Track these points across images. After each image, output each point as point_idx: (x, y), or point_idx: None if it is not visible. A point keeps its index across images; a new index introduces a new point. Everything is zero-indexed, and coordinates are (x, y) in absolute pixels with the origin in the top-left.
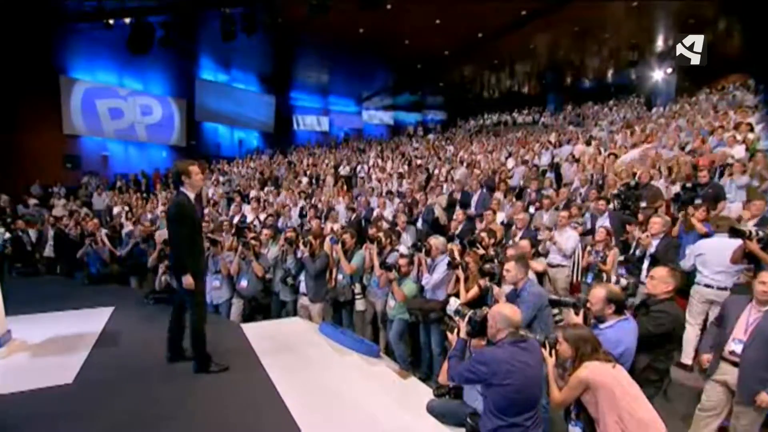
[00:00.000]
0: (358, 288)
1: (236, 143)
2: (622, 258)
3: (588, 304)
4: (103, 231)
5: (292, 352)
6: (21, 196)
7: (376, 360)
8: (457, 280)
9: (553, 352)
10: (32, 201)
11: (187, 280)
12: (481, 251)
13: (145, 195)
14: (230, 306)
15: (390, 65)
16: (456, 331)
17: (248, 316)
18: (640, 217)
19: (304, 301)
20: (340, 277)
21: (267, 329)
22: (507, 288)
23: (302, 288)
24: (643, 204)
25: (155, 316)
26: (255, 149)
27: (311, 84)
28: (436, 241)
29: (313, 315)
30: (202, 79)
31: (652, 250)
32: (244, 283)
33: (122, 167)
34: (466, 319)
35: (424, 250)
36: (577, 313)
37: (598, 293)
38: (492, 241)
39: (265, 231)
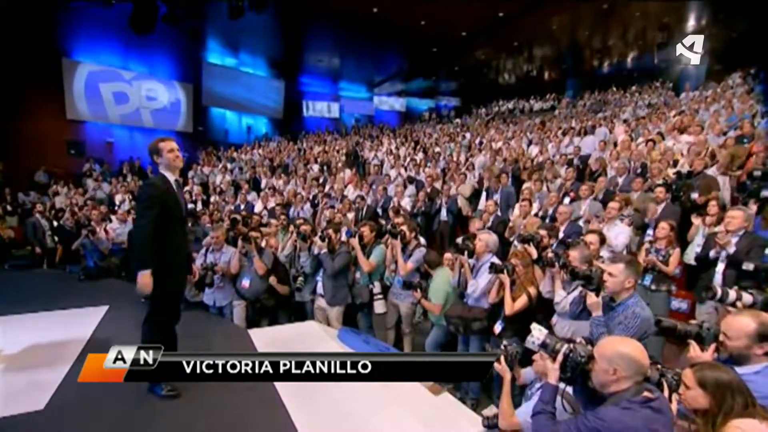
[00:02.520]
0: (377, 287)
1: (244, 129)
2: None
3: (721, 337)
4: (115, 222)
5: None
6: (24, 183)
7: None
8: (501, 285)
9: (674, 398)
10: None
11: (143, 279)
12: (534, 252)
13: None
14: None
15: (404, 48)
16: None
17: (254, 321)
18: (712, 208)
19: (321, 302)
20: (357, 274)
21: (278, 335)
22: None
23: (319, 288)
24: (695, 195)
25: None
26: (264, 135)
27: (322, 68)
28: (487, 236)
29: (331, 319)
30: (209, 62)
31: (731, 249)
32: (245, 282)
33: (128, 154)
34: (561, 357)
35: (467, 251)
36: (703, 348)
37: (744, 325)
38: (552, 240)
39: (273, 222)
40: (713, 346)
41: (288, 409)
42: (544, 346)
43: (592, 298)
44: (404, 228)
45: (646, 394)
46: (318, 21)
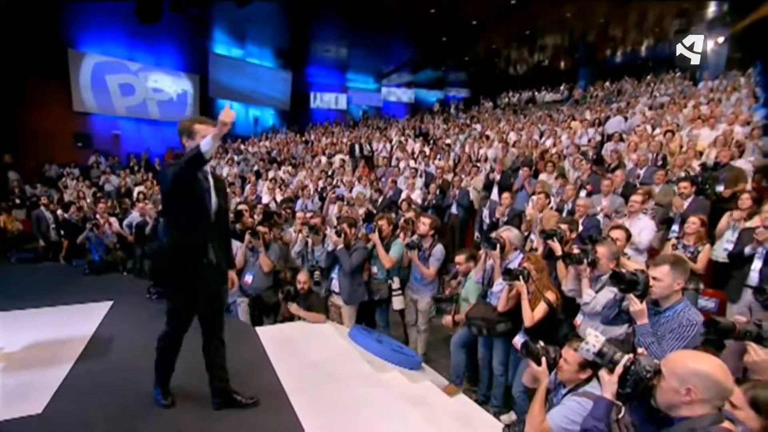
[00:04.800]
0: (396, 283)
1: (251, 121)
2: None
3: None
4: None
5: (315, 365)
6: (31, 176)
7: (417, 374)
8: (512, 292)
9: None
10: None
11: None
12: (558, 248)
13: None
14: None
15: (413, 38)
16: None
17: (258, 319)
18: (745, 202)
19: (335, 299)
20: (374, 269)
21: (287, 333)
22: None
23: (334, 285)
24: (720, 187)
25: (158, 315)
26: (271, 127)
27: (329, 59)
28: (510, 233)
29: (344, 316)
30: (215, 53)
31: None
32: (248, 278)
33: (134, 146)
34: (619, 369)
35: (498, 246)
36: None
37: None
38: (573, 234)
39: (306, 214)
40: None
41: (297, 412)
42: (600, 355)
43: (636, 306)
44: (425, 228)
45: (727, 425)
46: (325, 10)
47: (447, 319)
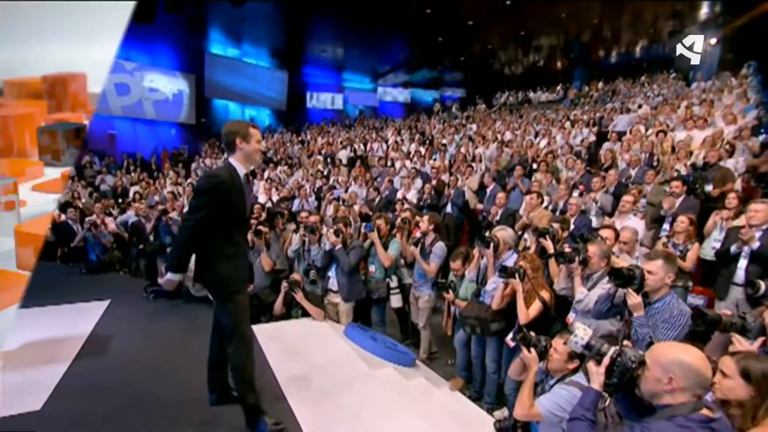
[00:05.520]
0: (394, 281)
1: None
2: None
3: None
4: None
5: (312, 362)
6: None
7: (411, 371)
8: (507, 290)
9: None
10: None
11: (169, 278)
12: (550, 246)
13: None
14: None
15: (409, 38)
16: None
17: (255, 317)
18: (732, 201)
19: (332, 298)
20: (372, 268)
21: (283, 331)
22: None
23: (332, 284)
24: (709, 187)
25: (155, 315)
26: (267, 127)
27: (325, 59)
28: (504, 233)
29: (342, 314)
30: (211, 53)
31: (755, 245)
32: None
33: (130, 146)
34: (606, 360)
35: (492, 245)
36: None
37: None
38: (566, 233)
39: (301, 214)
40: (761, 339)
41: (293, 409)
42: (588, 347)
43: (634, 299)
44: (424, 225)
45: (705, 412)
46: (321, 10)
47: (449, 296)
